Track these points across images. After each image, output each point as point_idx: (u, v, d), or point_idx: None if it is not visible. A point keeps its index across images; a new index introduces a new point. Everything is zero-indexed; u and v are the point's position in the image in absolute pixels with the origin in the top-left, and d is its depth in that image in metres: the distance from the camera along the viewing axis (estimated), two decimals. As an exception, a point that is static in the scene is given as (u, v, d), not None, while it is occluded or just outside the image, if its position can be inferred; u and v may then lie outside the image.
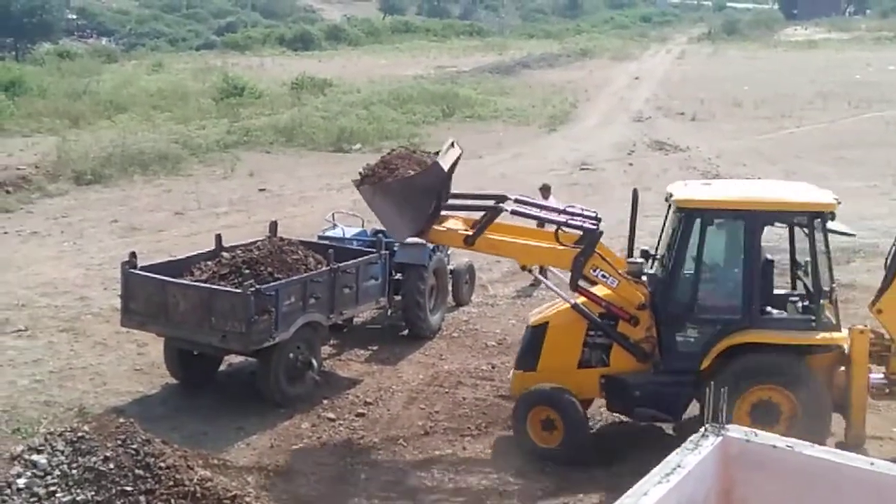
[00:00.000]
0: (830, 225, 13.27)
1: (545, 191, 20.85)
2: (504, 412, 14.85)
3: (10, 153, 33.90)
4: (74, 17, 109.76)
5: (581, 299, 13.86)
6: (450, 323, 18.96)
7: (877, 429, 14.15)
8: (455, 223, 14.43)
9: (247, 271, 14.89)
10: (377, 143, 37.04)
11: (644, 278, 13.74)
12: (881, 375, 13.31)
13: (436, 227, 14.28)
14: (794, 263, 14.16)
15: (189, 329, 14.91)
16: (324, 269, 15.61)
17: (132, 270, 15.33)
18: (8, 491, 11.05)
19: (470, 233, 13.98)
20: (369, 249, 16.92)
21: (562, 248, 13.83)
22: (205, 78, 54.67)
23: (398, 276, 17.87)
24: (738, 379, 12.71)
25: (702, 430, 7.64)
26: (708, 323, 13.28)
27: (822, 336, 12.91)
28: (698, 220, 13.17)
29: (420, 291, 17.89)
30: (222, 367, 16.44)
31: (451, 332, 18.57)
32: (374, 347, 17.80)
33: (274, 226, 17.19)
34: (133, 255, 15.67)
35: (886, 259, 13.43)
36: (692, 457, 7.21)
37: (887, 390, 13.37)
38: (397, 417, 15.09)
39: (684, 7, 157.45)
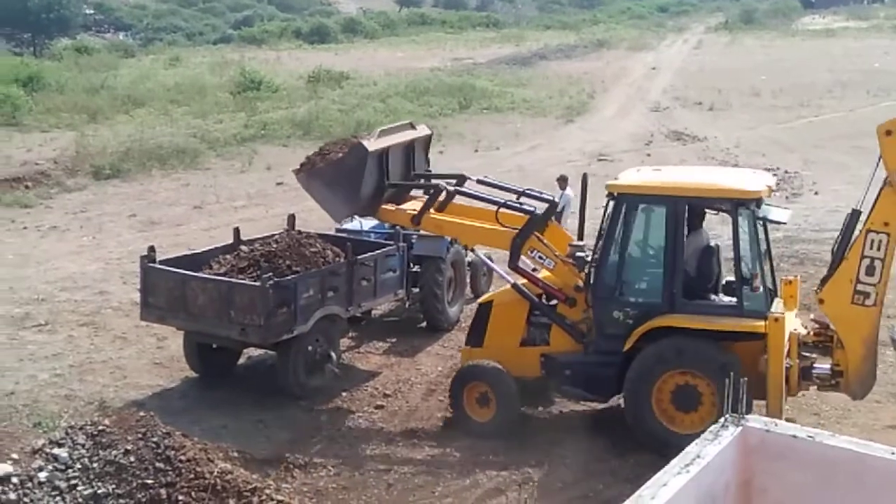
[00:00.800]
0: (766, 212, 13.29)
1: (562, 182, 20.81)
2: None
3: (29, 148, 34.04)
4: (92, 12, 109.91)
5: (522, 280, 14.22)
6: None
7: (897, 419, 14.13)
8: (415, 204, 14.88)
9: (265, 264, 14.92)
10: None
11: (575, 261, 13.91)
12: (827, 366, 13.23)
13: (388, 207, 14.82)
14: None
15: (208, 322, 14.96)
16: (342, 261, 15.64)
17: (151, 264, 15.39)
18: (30, 484, 11.13)
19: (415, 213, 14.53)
20: (387, 242, 16.92)
21: (501, 229, 14.19)
22: (222, 72, 54.72)
23: (416, 268, 17.89)
24: (654, 362, 13.09)
25: (721, 420, 7.61)
26: (632, 306, 13.51)
27: (739, 323, 12.94)
28: (624, 205, 13.42)
29: (438, 283, 17.89)
30: (242, 361, 16.49)
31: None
32: (393, 340, 17.82)
33: (292, 219, 17.22)
34: (152, 249, 15.72)
35: (832, 248, 13.34)
36: (712, 447, 7.19)
37: (833, 381, 13.24)
38: (416, 409, 15.12)
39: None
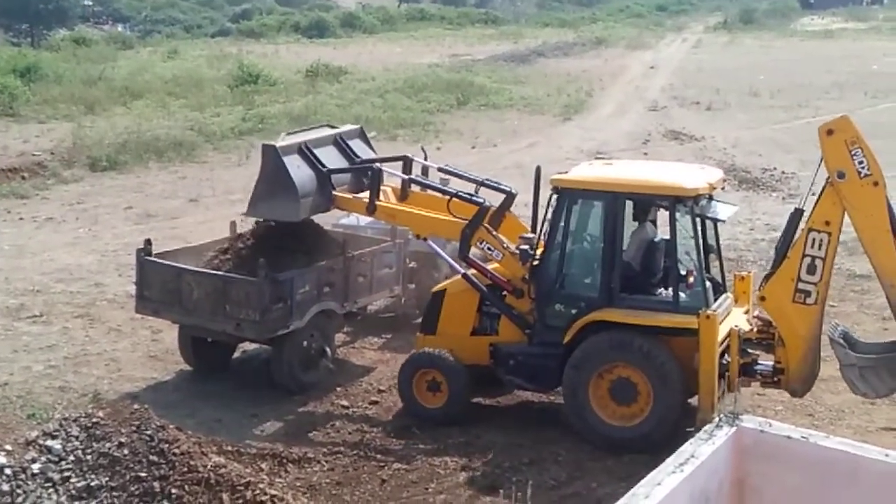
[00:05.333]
0: (707, 209, 13.39)
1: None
2: (517, 400, 14.91)
3: (26, 139, 34.00)
4: (90, 3, 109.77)
5: (473, 270, 14.43)
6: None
7: (892, 420, 14.14)
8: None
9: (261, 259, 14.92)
10: (392, 132, 36.97)
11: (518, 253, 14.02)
12: (769, 363, 13.35)
13: (343, 195, 15.09)
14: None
15: (203, 316, 14.97)
16: (338, 256, 15.64)
17: (147, 257, 15.40)
18: (23, 476, 11.11)
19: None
20: (384, 238, 16.91)
21: (452, 219, 14.41)
22: (220, 65, 54.63)
23: (412, 264, 17.87)
24: (591, 356, 13.32)
25: (716, 420, 7.63)
26: (571, 299, 13.75)
27: (672, 318, 13.05)
28: (566, 199, 13.67)
29: (434, 280, 17.83)
30: (236, 354, 16.49)
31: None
32: (388, 336, 17.81)
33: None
34: (148, 241, 15.72)
35: (776, 246, 13.45)
36: (706, 447, 7.21)
37: (774, 378, 13.36)
38: (411, 406, 15.11)
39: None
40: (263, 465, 12.72)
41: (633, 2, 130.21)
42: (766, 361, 13.43)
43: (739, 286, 14.48)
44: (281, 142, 14.98)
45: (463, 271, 14.57)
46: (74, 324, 17.75)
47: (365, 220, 17.91)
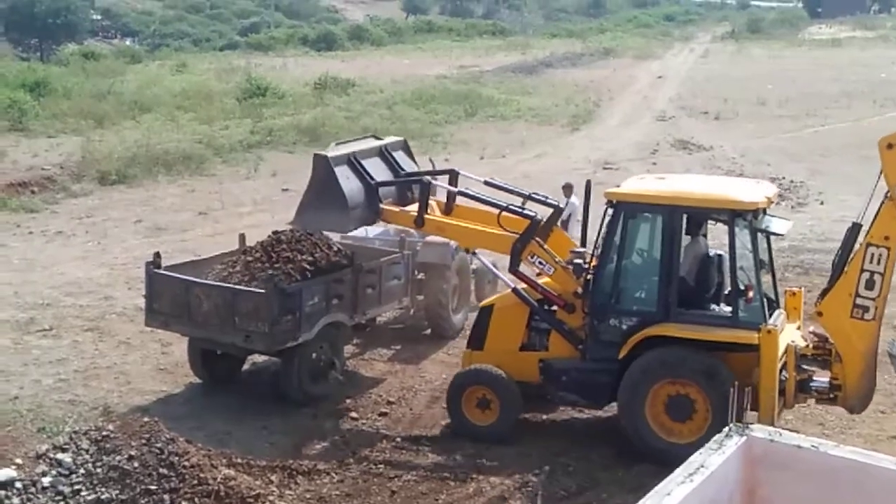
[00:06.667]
0: (766, 223, 13.21)
1: (567, 189, 20.78)
2: (525, 412, 14.89)
3: (36, 154, 34.06)
4: (99, 17, 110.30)
5: (523, 285, 14.26)
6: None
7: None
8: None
9: (270, 271, 14.93)
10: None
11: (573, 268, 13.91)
12: (825, 379, 13.17)
13: (390, 208, 14.95)
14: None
15: (213, 329, 14.98)
16: (347, 269, 15.65)
17: (156, 270, 15.42)
18: (33, 489, 11.15)
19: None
20: (392, 249, 16.92)
21: (502, 233, 14.25)
22: (228, 78, 54.75)
23: (421, 275, 17.88)
24: (647, 371, 13.11)
25: (726, 430, 7.61)
26: (627, 314, 13.54)
27: (732, 333, 12.89)
28: (622, 213, 13.46)
29: (443, 291, 17.89)
30: (246, 367, 16.48)
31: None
32: (397, 347, 17.81)
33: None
34: (157, 255, 15.74)
35: (833, 261, 13.26)
36: (716, 457, 7.19)
37: (831, 394, 13.19)
38: (420, 417, 15.12)
39: (708, 6, 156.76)
40: (273, 478, 12.73)
41: (641, 12, 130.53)
42: (822, 378, 13.22)
43: (790, 302, 14.16)
44: (331, 152, 14.82)
45: (513, 286, 14.36)
46: (84, 337, 17.77)
47: (374, 231, 17.97)
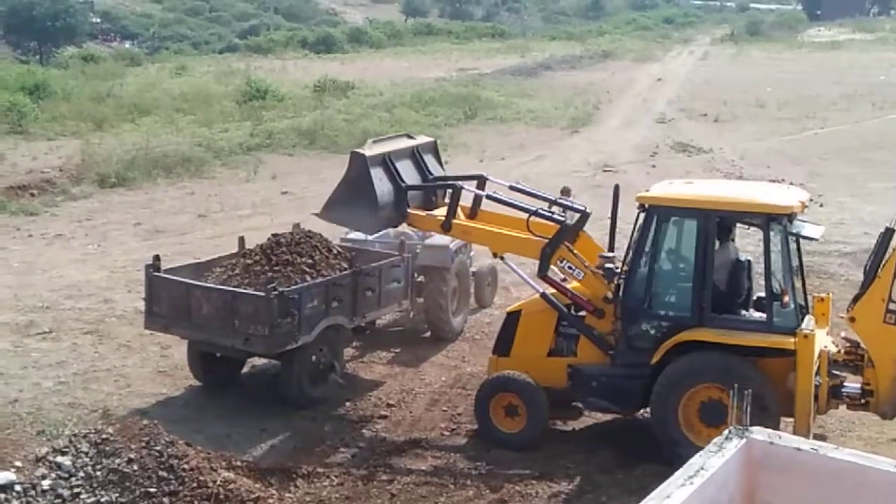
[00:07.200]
0: (799, 227, 13.08)
1: (565, 193, 20.78)
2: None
3: (35, 156, 34.08)
4: (98, 20, 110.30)
5: (552, 289, 14.12)
6: (472, 325, 18.95)
7: (900, 432, 14.10)
8: (444, 210, 14.73)
9: (270, 273, 14.93)
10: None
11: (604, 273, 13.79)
12: (857, 385, 13.05)
13: (417, 213, 14.77)
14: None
15: (212, 332, 14.97)
16: (347, 271, 15.65)
17: (156, 273, 15.41)
18: (33, 492, 11.14)
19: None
20: (392, 252, 16.91)
21: (531, 237, 14.10)
22: (228, 81, 54.76)
23: (420, 278, 17.88)
24: (681, 376, 12.97)
25: (725, 432, 7.61)
26: (660, 318, 13.39)
27: (768, 339, 12.76)
28: (655, 217, 13.31)
29: (442, 294, 17.88)
30: (245, 369, 16.48)
31: (473, 335, 18.57)
32: (397, 350, 17.81)
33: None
34: (157, 257, 15.75)
35: (865, 266, 13.17)
36: (715, 459, 7.18)
37: (862, 400, 13.08)
38: (420, 419, 15.11)
39: (707, 8, 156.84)
40: (273, 481, 12.71)
41: (640, 14, 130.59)
42: (853, 384, 13.08)
43: (818, 307, 13.94)
44: (368, 150, 14.59)
45: (542, 291, 14.20)
46: (84, 340, 17.76)
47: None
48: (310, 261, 15.44)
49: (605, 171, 34.22)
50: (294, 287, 14.74)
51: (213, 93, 49.88)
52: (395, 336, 18.46)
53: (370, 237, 17.47)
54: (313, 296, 14.95)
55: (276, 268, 15.13)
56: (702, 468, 7.02)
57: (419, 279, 17.86)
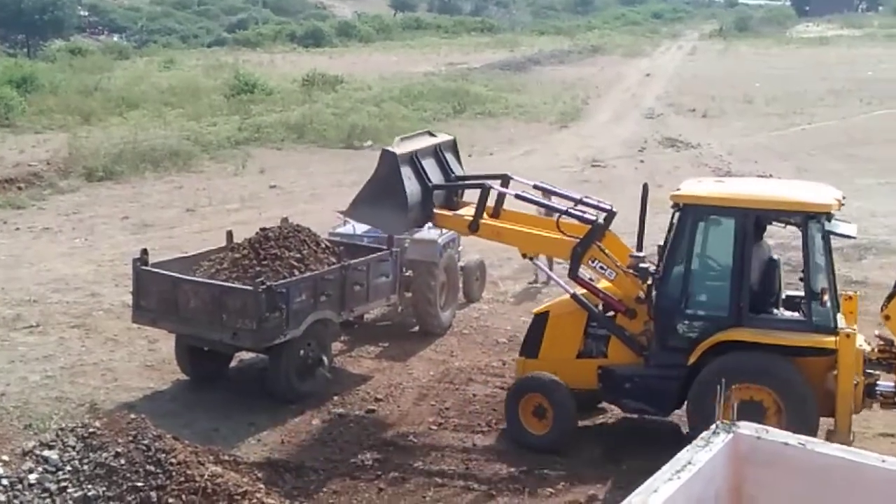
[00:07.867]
0: (834, 226, 12.91)
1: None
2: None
3: (22, 150, 33.99)
4: (86, 13, 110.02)
5: (581, 290, 13.96)
6: (460, 320, 18.95)
7: (889, 426, 14.13)
8: (469, 210, 14.45)
9: (258, 268, 14.91)
10: (388, 140, 36.88)
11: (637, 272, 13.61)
12: (891, 384, 12.96)
13: (443, 212, 14.50)
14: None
15: (200, 326, 14.93)
16: (335, 266, 15.63)
17: (144, 267, 15.37)
18: (20, 486, 11.10)
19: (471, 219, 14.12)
20: (380, 246, 16.89)
21: (562, 237, 13.90)
22: (216, 75, 54.69)
23: (409, 272, 17.86)
24: (720, 376, 12.70)
25: (713, 427, 7.62)
26: (697, 319, 13.18)
27: (808, 338, 12.62)
28: (691, 216, 13.13)
29: (431, 288, 17.87)
30: (233, 364, 16.46)
31: (461, 329, 18.57)
32: (385, 344, 17.80)
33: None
34: (144, 251, 15.70)
35: None
36: (703, 454, 7.19)
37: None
38: (408, 414, 15.10)
39: (696, 4, 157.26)
40: (260, 474, 12.71)
41: (629, 9, 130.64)
42: (887, 382, 12.97)
43: (846, 306, 13.66)
44: (398, 149, 14.20)
45: (572, 291, 14.04)
46: (71, 334, 17.72)
47: (361, 228, 17.93)
48: (298, 255, 15.42)
49: (593, 165, 34.28)
50: (282, 281, 14.71)
51: (202, 86, 49.82)
52: (383, 330, 18.45)
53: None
54: (301, 290, 14.93)
55: (265, 262, 15.11)
56: (689, 462, 7.03)
57: (407, 273, 17.84)
